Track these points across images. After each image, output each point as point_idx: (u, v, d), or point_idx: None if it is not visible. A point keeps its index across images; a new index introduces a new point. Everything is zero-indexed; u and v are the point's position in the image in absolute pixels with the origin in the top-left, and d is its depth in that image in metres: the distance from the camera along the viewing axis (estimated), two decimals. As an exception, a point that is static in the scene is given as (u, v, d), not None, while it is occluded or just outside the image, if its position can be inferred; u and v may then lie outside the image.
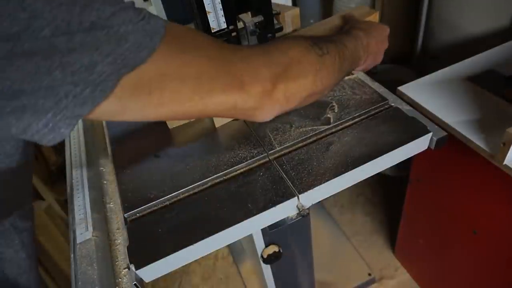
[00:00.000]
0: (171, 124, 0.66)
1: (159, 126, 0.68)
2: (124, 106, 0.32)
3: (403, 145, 0.56)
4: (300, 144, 0.60)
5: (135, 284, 0.46)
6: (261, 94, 0.39)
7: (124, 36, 0.29)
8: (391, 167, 0.58)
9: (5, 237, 0.48)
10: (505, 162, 0.66)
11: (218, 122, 0.65)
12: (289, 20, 0.78)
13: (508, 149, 0.64)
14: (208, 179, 0.56)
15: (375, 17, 0.69)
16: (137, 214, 0.53)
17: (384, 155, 0.55)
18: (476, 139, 0.71)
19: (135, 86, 0.31)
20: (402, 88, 0.86)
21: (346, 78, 0.71)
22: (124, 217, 0.53)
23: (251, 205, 0.51)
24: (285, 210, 0.52)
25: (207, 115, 0.40)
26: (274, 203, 0.51)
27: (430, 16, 1.35)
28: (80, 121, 0.74)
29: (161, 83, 0.33)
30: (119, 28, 0.29)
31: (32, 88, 0.26)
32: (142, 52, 0.30)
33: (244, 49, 0.40)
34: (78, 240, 0.51)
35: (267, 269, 0.83)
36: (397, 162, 0.58)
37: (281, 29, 0.62)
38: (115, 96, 0.31)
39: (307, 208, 0.53)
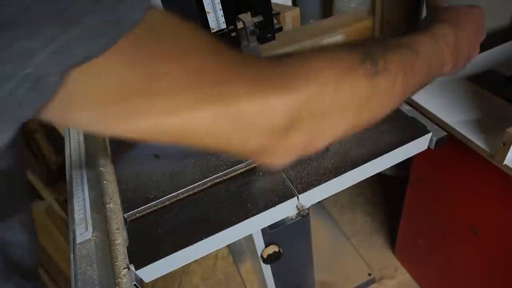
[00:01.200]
0: None
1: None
2: (72, 112, 0.23)
3: (403, 145, 0.56)
4: (300, 144, 0.60)
5: (135, 284, 0.46)
6: (267, 132, 0.27)
7: (75, 16, 0.20)
8: (391, 167, 0.58)
9: (4, 219, 0.48)
10: (505, 162, 0.66)
11: None
12: (289, 20, 0.78)
13: (508, 149, 0.64)
14: (208, 179, 0.56)
15: (368, 23, 0.67)
16: (137, 214, 0.53)
17: (384, 155, 0.55)
18: (476, 139, 0.71)
19: (84, 86, 0.23)
20: (402, 88, 0.86)
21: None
22: (124, 217, 0.53)
23: (251, 205, 0.51)
24: (285, 210, 0.52)
25: (189, 142, 0.28)
26: (274, 203, 0.51)
27: (430, 16, 1.35)
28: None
29: (120, 87, 0.23)
30: (69, 3, 0.20)
31: None
32: (97, 42, 0.21)
33: (252, 61, 0.27)
34: (78, 240, 0.51)
35: (267, 269, 0.83)
36: (397, 162, 0.58)
37: (281, 29, 0.62)
38: (59, 99, 0.22)
39: (307, 208, 0.53)
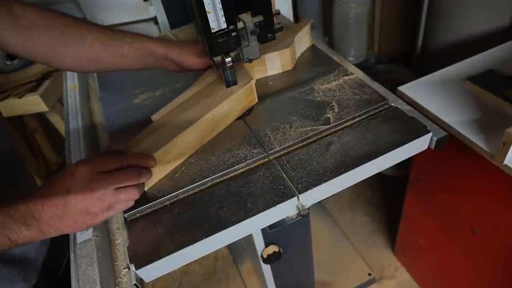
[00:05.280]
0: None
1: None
2: None
3: (403, 145, 0.56)
4: (300, 144, 0.60)
5: (135, 284, 0.46)
6: None
7: None
8: (391, 167, 0.58)
9: None
10: (505, 162, 0.66)
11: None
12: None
13: (508, 149, 0.64)
14: (208, 179, 0.56)
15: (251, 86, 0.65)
16: (137, 214, 0.53)
17: (384, 155, 0.55)
18: (476, 139, 0.71)
19: None
20: (402, 88, 0.86)
21: (347, 78, 0.71)
22: (124, 217, 0.53)
23: (251, 205, 0.51)
24: (285, 210, 0.52)
25: None
26: (274, 203, 0.51)
27: (430, 16, 1.35)
28: (80, 120, 0.74)
29: None
30: None
31: None
32: None
33: None
34: (78, 240, 0.51)
35: (267, 269, 0.83)
36: (397, 162, 0.58)
37: (281, 29, 0.62)
38: None
39: (307, 208, 0.53)
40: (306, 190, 0.51)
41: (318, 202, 0.56)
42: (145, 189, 0.56)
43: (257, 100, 0.68)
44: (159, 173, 0.57)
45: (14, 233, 0.41)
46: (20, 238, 0.41)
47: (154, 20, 1.23)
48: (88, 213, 0.44)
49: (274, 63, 0.75)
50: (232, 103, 0.63)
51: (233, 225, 0.49)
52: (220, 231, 0.49)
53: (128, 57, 0.62)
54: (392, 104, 0.64)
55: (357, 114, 0.62)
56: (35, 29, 0.55)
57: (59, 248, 0.69)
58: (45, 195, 0.43)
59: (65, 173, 0.45)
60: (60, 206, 0.43)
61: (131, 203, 0.51)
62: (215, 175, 0.56)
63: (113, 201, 0.46)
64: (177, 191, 0.55)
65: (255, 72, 0.75)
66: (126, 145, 0.57)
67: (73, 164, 0.47)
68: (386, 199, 1.62)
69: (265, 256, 0.76)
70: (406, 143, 0.56)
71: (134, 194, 0.49)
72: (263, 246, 0.74)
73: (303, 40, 0.82)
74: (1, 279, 0.55)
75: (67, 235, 0.53)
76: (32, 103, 1.18)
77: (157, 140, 0.57)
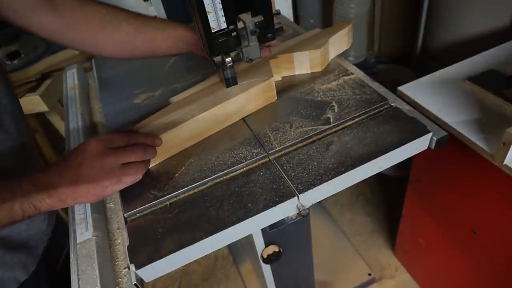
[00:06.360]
0: None
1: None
2: None
3: (403, 145, 0.56)
4: (300, 144, 0.60)
5: (135, 284, 0.46)
6: None
7: None
8: (391, 167, 0.58)
9: None
10: (505, 162, 0.66)
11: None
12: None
13: (508, 149, 0.64)
14: (208, 179, 0.56)
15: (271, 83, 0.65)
16: (137, 214, 0.53)
17: (384, 155, 0.55)
18: (476, 139, 0.71)
19: None
20: (402, 88, 0.86)
21: (347, 78, 0.71)
22: (124, 217, 0.53)
23: (251, 205, 0.51)
24: (285, 210, 0.52)
25: None
26: (274, 203, 0.51)
27: (430, 16, 1.35)
28: (80, 120, 0.74)
29: None
30: None
31: None
32: None
33: None
34: (79, 240, 0.51)
35: (267, 269, 0.83)
36: (397, 162, 0.58)
37: (281, 29, 0.62)
38: None
39: (307, 208, 0.53)
40: (306, 190, 0.51)
41: (318, 202, 0.56)
42: (150, 166, 0.59)
43: (276, 98, 0.68)
44: (164, 154, 0.59)
45: (38, 201, 0.46)
46: (43, 205, 0.46)
47: (154, 20, 1.23)
48: (99, 185, 0.48)
49: (303, 63, 0.74)
50: (248, 97, 0.64)
51: (233, 225, 0.49)
52: (220, 231, 0.49)
53: (161, 43, 0.64)
54: (392, 104, 0.64)
55: (357, 114, 0.62)
56: (73, 16, 0.58)
57: (60, 238, 0.71)
58: (62, 168, 0.48)
59: (78, 149, 0.50)
60: (74, 178, 0.47)
61: (139, 177, 0.53)
62: (215, 175, 0.56)
63: (121, 175, 0.50)
64: (177, 191, 0.55)
65: (282, 69, 0.74)
66: (137, 125, 0.60)
67: (85, 141, 0.51)
68: (386, 199, 1.62)
69: (265, 256, 0.76)
70: (406, 143, 0.56)
71: (141, 169, 0.53)
72: (263, 246, 0.74)
73: (341, 41, 0.77)
74: (2, 265, 0.57)
75: (67, 227, 0.56)
76: (32, 103, 1.18)
77: (167, 123, 0.59)
